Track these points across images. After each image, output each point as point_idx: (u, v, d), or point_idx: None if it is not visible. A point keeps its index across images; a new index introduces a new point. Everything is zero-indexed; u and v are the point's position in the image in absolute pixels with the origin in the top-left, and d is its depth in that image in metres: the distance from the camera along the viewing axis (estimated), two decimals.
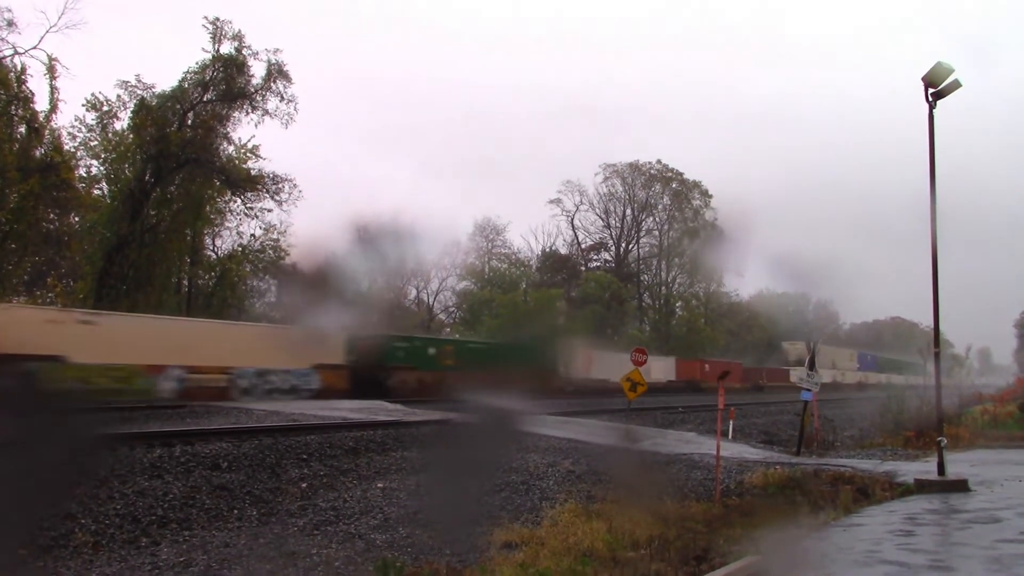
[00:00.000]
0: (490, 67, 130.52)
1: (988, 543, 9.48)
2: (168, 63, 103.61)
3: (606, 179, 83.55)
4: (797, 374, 72.19)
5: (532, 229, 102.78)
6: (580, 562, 8.30)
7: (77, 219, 44.69)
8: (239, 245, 49.15)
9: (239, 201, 47.81)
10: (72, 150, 42.90)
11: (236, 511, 11.17)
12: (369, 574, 8.16)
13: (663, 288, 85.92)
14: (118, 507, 10.46)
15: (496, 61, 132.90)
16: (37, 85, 40.28)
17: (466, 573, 7.98)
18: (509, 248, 79.45)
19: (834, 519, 11.46)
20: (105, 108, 43.60)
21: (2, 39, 37.39)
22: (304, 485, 12.82)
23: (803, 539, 10.18)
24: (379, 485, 13.03)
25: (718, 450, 14.10)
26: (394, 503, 11.85)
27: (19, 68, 37.88)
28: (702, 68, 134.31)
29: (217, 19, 43.75)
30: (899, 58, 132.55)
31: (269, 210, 47.76)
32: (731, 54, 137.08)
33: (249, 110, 44.95)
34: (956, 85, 14.87)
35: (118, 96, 43.36)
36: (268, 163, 47.04)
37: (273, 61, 44.98)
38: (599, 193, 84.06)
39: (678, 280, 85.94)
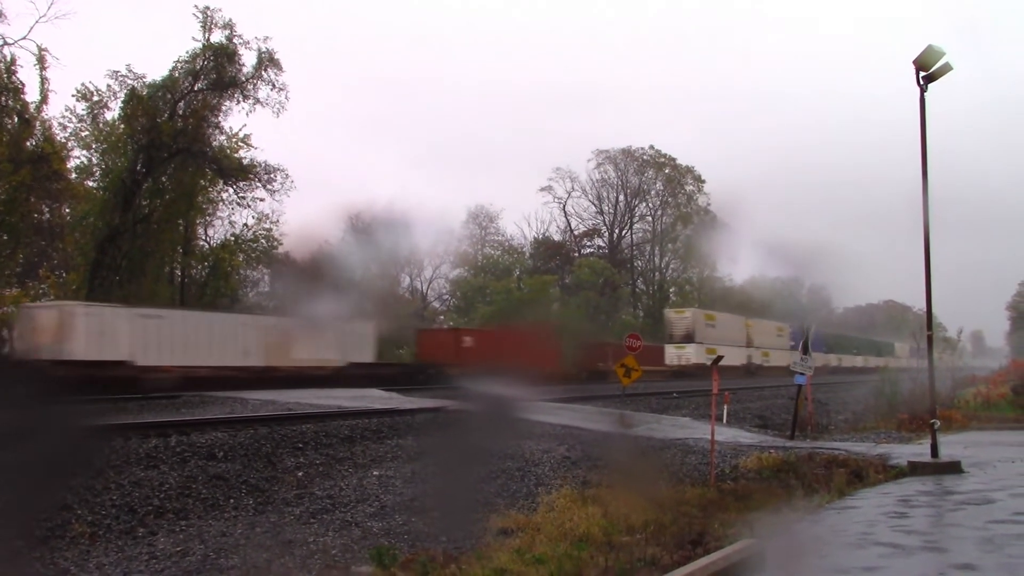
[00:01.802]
0: (484, 55, 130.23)
1: (981, 524, 9.54)
2: (158, 52, 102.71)
3: (599, 165, 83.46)
4: (683, 353, 54.83)
5: (525, 216, 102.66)
6: (576, 547, 8.33)
7: (69, 210, 44.50)
8: (232, 235, 49.03)
9: (231, 190, 47.67)
10: (63, 141, 42.74)
11: (232, 500, 11.19)
12: (365, 561, 8.19)
13: (657, 274, 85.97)
14: (114, 498, 10.46)
15: (489, 50, 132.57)
16: (27, 76, 40.09)
17: (462, 559, 8.00)
18: (502, 235, 79.49)
19: (828, 502, 11.53)
20: (96, 98, 43.42)
21: None
22: (300, 474, 12.84)
23: (798, 522, 10.24)
24: (375, 473, 13.06)
25: (712, 435, 14.14)
26: (390, 491, 11.88)
27: (9, 59, 37.62)
28: (697, 56, 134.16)
29: (207, 8, 43.48)
30: (894, 46, 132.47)
31: (261, 199, 47.62)
32: (724, 40, 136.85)
33: (240, 99, 44.69)
34: (947, 68, 14.92)
35: (108, 86, 43.16)
36: (260, 152, 46.89)
37: (264, 49, 44.69)
38: (591, 179, 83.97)
39: (671, 266, 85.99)
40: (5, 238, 38.73)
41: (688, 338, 56.48)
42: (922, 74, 15.02)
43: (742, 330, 62.52)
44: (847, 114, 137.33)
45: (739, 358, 59.26)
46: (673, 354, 55.93)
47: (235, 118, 46.36)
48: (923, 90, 15.16)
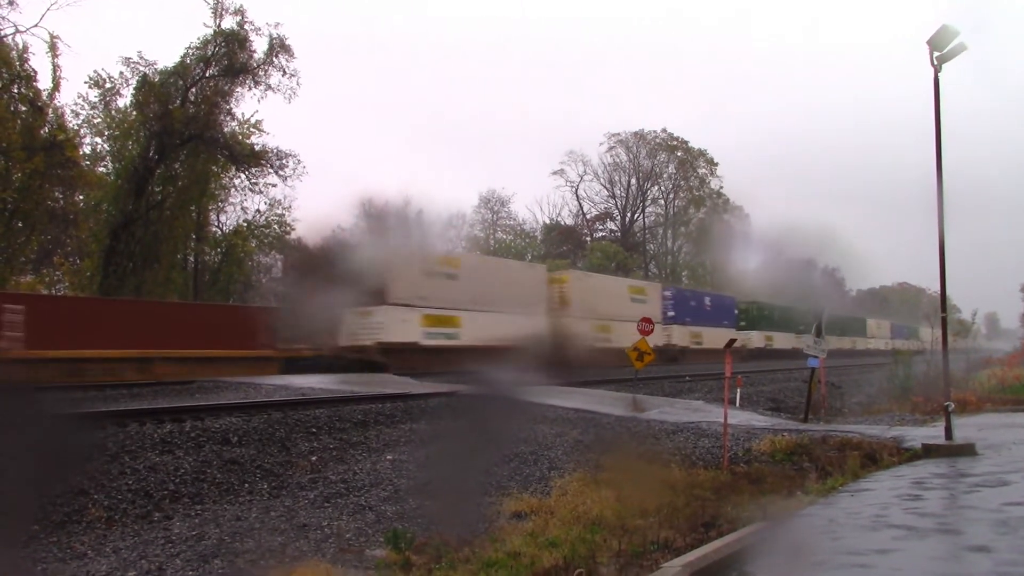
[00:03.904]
0: (491, 41, 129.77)
1: (996, 506, 9.50)
2: (170, 39, 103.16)
3: (611, 149, 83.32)
4: (368, 323, 30.49)
5: (537, 200, 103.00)
6: (589, 530, 8.35)
7: (82, 197, 44.69)
8: (244, 221, 49.24)
9: (243, 177, 47.80)
10: (76, 128, 42.88)
11: (247, 485, 11.25)
12: (380, 545, 8.22)
13: (669, 257, 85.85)
14: (130, 482, 10.53)
15: (497, 36, 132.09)
16: (39, 63, 40.22)
17: (476, 543, 8.02)
18: (514, 220, 79.53)
19: (842, 484, 11.50)
20: (108, 85, 43.55)
21: (3, 17, 37.28)
22: (314, 458, 12.89)
23: (811, 505, 10.23)
24: (388, 457, 13.10)
25: (725, 418, 14.10)
26: (404, 475, 11.91)
27: (21, 46, 37.74)
28: (706, 40, 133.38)
29: None
30: (908, 26, 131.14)
31: (273, 185, 47.83)
32: (732, 24, 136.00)
33: (252, 85, 44.70)
34: (961, 48, 14.71)
35: (120, 73, 43.26)
36: (272, 138, 47.19)
37: (275, 35, 44.68)
38: (603, 163, 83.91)
39: (684, 249, 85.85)
40: (20, 225, 38.91)
41: (379, 299, 31.04)
42: (936, 54, 14.85)
43: (538, 288, 38.70)
44: (859, 98, 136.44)
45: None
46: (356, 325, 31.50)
47: (247, 104, 46.56)
48: (937, 71, 15.00)
